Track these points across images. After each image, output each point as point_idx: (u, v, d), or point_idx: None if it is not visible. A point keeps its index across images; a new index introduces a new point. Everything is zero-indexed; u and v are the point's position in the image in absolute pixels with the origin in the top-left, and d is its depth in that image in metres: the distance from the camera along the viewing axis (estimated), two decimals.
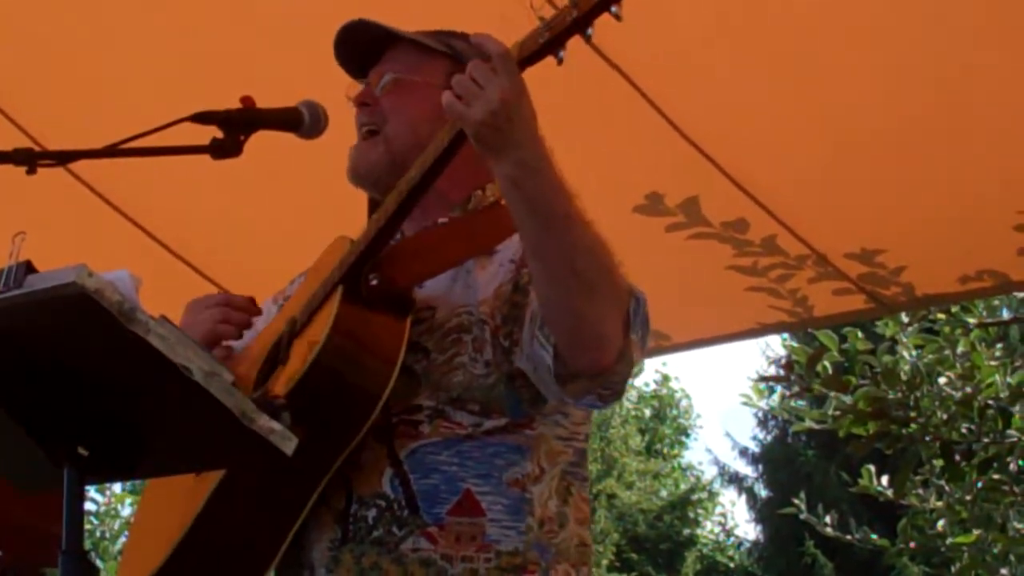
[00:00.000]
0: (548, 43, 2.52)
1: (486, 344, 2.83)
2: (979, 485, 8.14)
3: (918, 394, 7.61)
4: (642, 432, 33.47)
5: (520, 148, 2.54)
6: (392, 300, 2.84)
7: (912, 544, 9.13)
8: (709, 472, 32.74)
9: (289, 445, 2.40)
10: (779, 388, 9.16)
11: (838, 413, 7.71)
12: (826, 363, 7.57)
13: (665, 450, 34.23)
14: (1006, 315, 8.29)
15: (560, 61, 2.53)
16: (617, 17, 2.46)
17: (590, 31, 2.50)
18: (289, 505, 2.77)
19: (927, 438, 7.64)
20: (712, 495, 32.78)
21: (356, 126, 3.06)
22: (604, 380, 2.72)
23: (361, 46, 3.09)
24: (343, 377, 2.75)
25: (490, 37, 2.60)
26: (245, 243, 4.99)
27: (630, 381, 2.88)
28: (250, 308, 3.10)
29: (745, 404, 9.10)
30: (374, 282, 2.83)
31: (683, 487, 33.09)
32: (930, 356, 7.79)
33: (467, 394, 2.81)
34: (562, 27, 2.49)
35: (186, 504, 2.83)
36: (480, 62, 2.54)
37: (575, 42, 2.53)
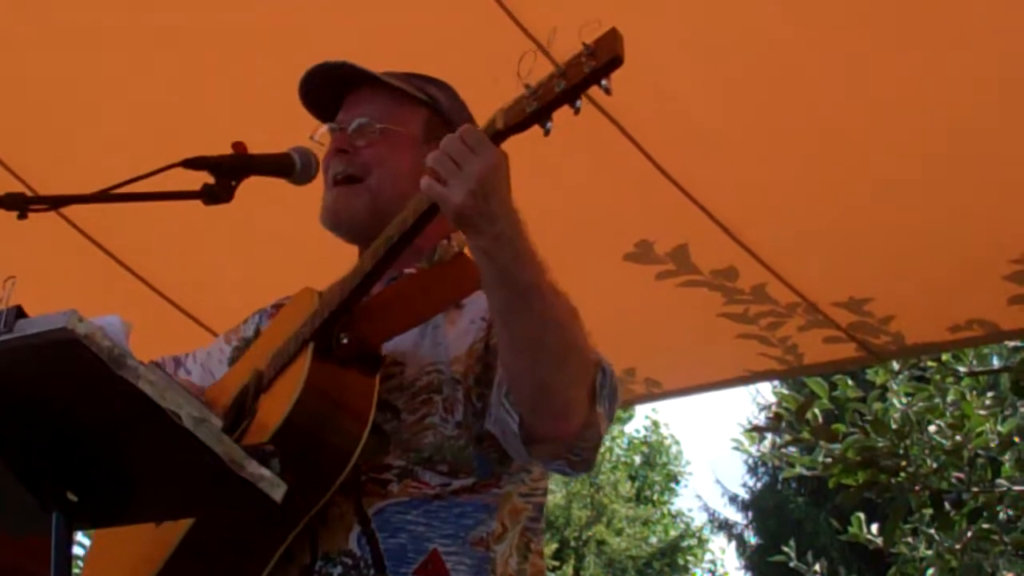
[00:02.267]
0: (535, 113, 2.50)
1: (458, 404, 2.82)
2: (969, 534, 8.14)
3: (908, 442, 7.61)
4: (632, 478, 33.38)
5: (496, 222, 2.53)
6: (362, 358, 2.83)
7: None
8: (699, 519, 32.69)
9: (278, 492, 2.39)
10: (768, 435, 9.14)
11: (829, 460, 7.70)
12: (816, 411, 7.57)
13: (655, 497, 34.12)
14: (996, 364, 8.29)
15: (547, 132, 2.50)
16: (607, 91, 2.43)
17: (579, 103, 2.47)
18: (254, 560, 2.74)
19: (917, 487, 7.63)
20: (702, 542, 32.68)
21: (325, 170, 3.03)
22: (573, 447, 2.71)
23: (327, 87, 3.08)
24: (314, 436, 2.73)
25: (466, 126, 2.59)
26: (236, 288, 4.98)
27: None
28: None
29: (736, 450, 9.08)
30: (345, 340, 2.82)
31: (673, 534, 32.98)
32: (920, 404, 7.79)
33: (437, 455, 2.80)
34: (550, 98, 2.47)
35: (149, 555, 2.80)
36: (455, 139, 2.53)
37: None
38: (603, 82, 2.43)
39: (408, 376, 2.86)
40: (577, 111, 2.48)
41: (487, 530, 2.82)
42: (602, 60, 2.41)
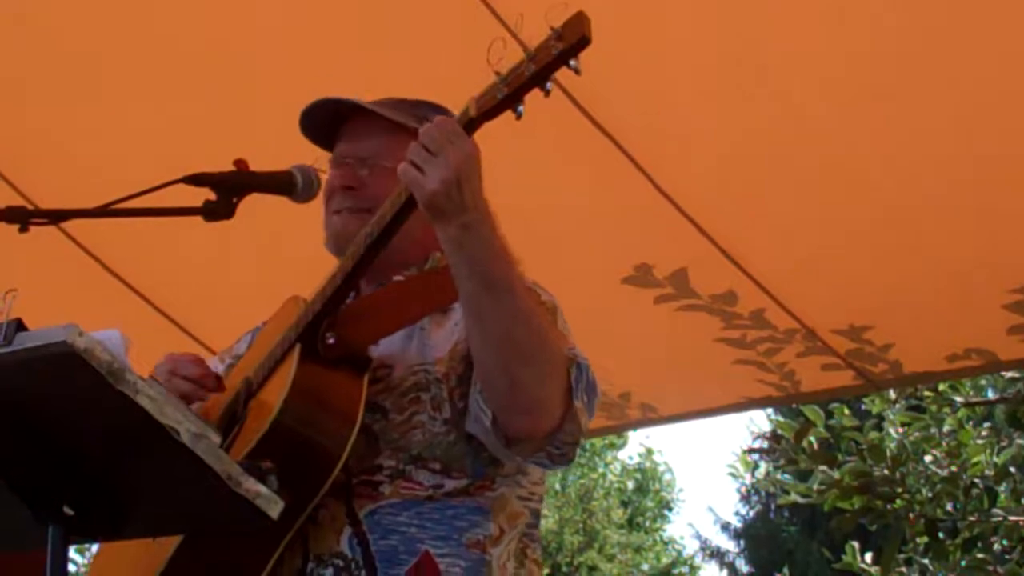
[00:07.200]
0: (506, 98, 2.55)
1: (444, 402, 2.84)
2: (963, 564, 8.12)
3: (904, 471, 7.61)
4: (624, 505, 33.30)
5: (467, 212, 2.57)
6: (349, 358, 2.84)
7: None
8: (691, 546, 32.66)
9: (275, 509, 2.39)
10: (763, 463, 9.14)
11: (823, 488, 7.70)
12: (812, 438, 7.56)
13: (647, 523, 34.05)
14: (992, 395, 8.29)
15: (519, 116, 2.56)
16: (576, 71, 2.48)
17: (549, 86, 2.53)
18: (249, 567, 2.75)
19: (912, 515, 7.62)
20: (693, 569, 32.58)
21: (328, 200, 3.03)
22: (553, 440, 2.74)
23: (324, 116, 3.10)
24: (303, 437, 2.74)
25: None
26: (235, 304, 4.97)
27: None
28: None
29: (731, 475, 9.09)
30: (331, 340, 2.84)
31: (665, 561, 32.90)
32: (916, 434, 7.79)
33: (428, 452, 2.82)
34: (520, 82, 2.53)
35: (146, 563, 2.80)
36: (431, 129, 2.58)
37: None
38: (572, 63, 2.48)
39: (396, 377, 2.88)
40: (547, 93, 2.54)
41: (483, 533, 2.83)
42: (569, 41, 2.46)
